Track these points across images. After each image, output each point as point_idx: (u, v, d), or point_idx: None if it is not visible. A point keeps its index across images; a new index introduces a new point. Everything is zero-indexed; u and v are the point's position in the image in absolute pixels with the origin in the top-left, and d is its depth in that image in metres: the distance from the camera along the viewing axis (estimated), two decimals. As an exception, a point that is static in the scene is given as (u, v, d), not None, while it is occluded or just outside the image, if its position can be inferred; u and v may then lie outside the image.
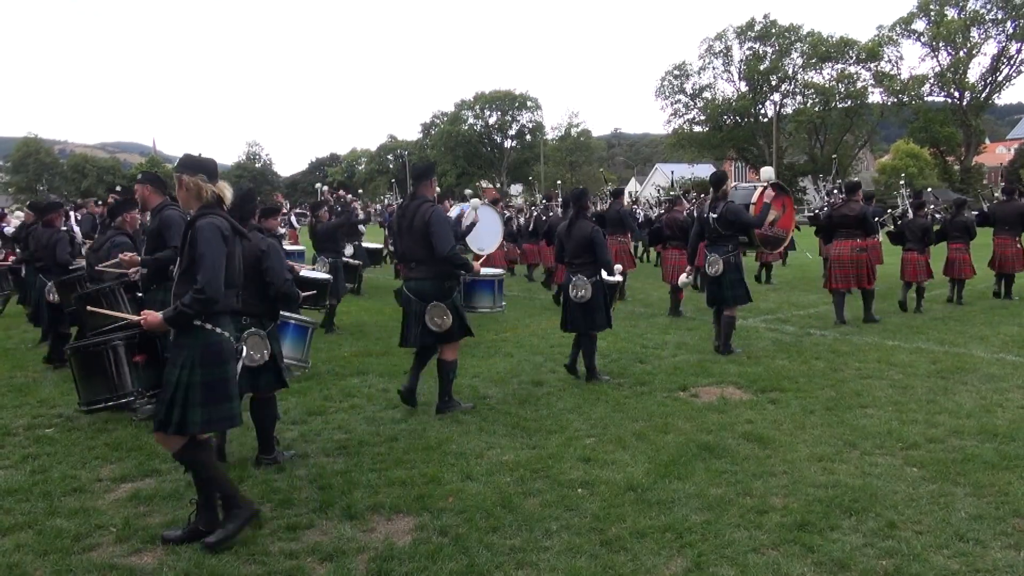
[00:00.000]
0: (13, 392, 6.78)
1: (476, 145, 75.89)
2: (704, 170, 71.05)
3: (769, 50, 55.42)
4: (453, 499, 4.16)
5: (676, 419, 5.55)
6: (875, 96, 53.47)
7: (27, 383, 7.13)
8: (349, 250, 10.99)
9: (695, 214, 10.02)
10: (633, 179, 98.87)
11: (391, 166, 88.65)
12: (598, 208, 14.83)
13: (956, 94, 50.15)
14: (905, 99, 51.14)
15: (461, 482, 4.41)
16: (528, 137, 76.91)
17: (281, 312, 5.07)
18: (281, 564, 3.49)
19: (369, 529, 3.86)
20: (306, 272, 6.89)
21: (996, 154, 67.87)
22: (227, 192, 3.80)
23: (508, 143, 77.53)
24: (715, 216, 7.85)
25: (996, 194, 15.98)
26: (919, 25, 50.04)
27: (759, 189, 8.33)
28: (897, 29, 50.98)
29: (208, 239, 3.56)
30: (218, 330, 3.65)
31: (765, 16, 55.24)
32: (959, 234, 11.25)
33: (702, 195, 18.99)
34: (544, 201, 15.28)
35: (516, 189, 79.51)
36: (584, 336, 6.81)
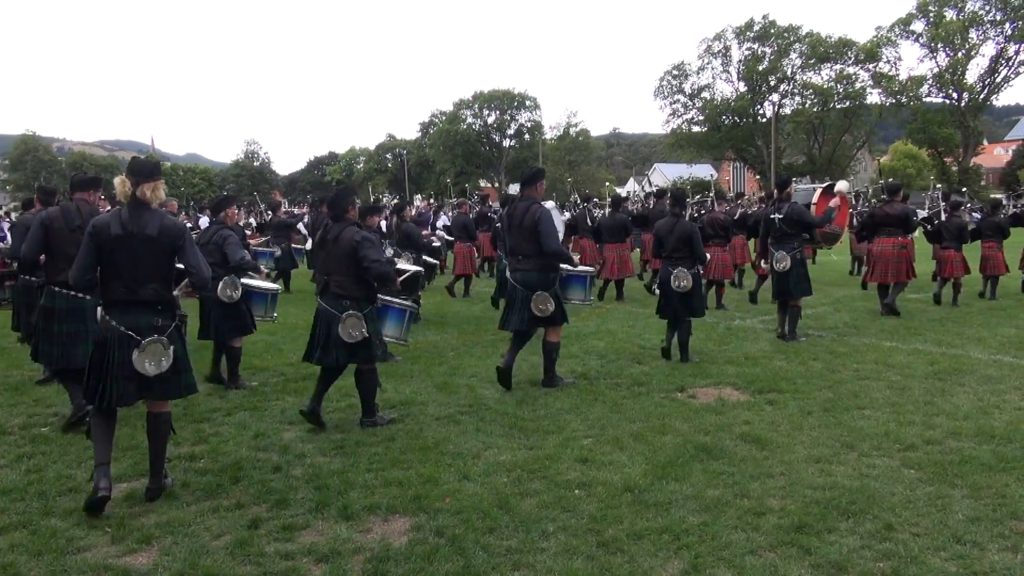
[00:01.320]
0: (8, 391, 6.76)
1: (475, 144, 75.85)
2: (702, 170, 71.22)
3: (768, 50, 55.42)
4: (450, 500, 4.15)
5: (673, 420, 5.55)
6: (873, 97, 53.53)
7: (23, 382, 7.10)
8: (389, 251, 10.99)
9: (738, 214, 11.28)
10: (632, 179, 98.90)
11: (389, 165, 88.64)
12: (594, 209, 14.85)
13: (954, 95, 50.19)
14: (903, 100, 51.16)
15: (458, 483, 4.40)
16: (527, 136, 76.88)
17: (382, 296, 5.97)
18: (277, 565, 3.48)
19: (365, 530, 3.84)
20: (401, 264, 7.48)
21: (994, 155, 67.97)
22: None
23: (507, 142, 77.50)
24: (780, 216, 8.50)
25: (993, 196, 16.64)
26: (918, 26, 50.06)
27: (818, 190, 9.45)
28: (896, 30, 51.00)
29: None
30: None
31: (764, 16, 55.24)
32: (992, 233, 11.88)
33: (705, 194, 19.28)
34: (583, 203, 15.23)
35: (514, 189, 79.52)
36: (684, 322, 7.52)
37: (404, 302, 6.63)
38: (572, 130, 76.16)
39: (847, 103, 53.60)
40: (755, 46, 55.64)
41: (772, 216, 8.65)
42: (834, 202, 8.71)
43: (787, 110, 56.44)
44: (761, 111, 57.04)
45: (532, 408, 5.94)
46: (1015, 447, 4.80)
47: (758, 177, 56.26)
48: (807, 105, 54.93)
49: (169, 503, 4.18)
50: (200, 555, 3.55)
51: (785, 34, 54.74)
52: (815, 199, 9.13)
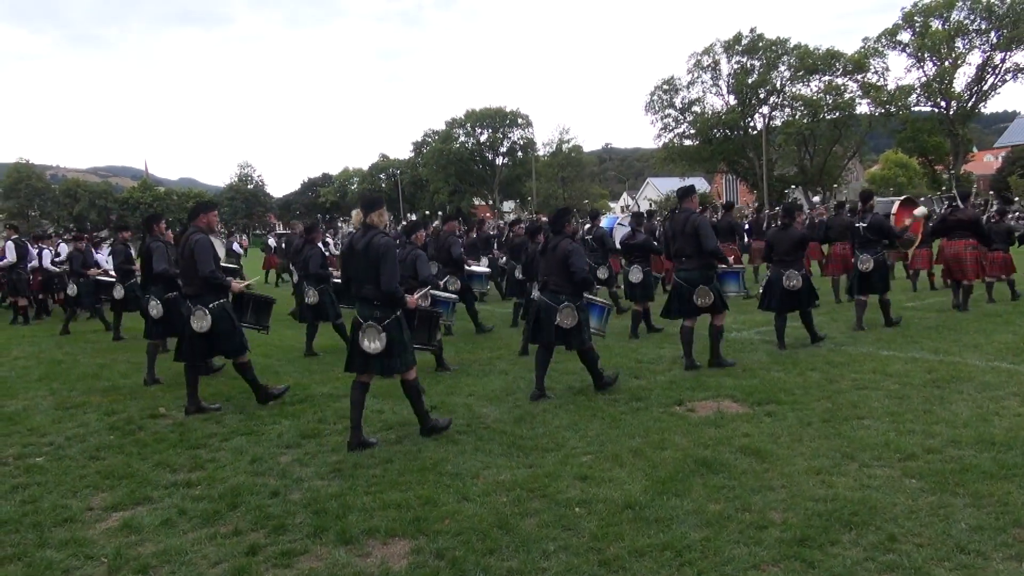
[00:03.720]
0: (3, 421, 6.71)
1: (468, 162, 76.06)
2: (695, 183, 71.50)
3: (757, 63, 55.80)
4: (449, 521, 4.11)
5: (673, 434, 5.52)
6: (863, 107, 53.85)
7: (18, 411, 7.06)
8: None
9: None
10: (625, 193, 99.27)
11: (383, 185, 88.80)
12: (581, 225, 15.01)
13: (943, 104, 50.51)
14: (892, 109, 51.49)
15: (457, 503, 4.37)
16: (519, 154, 77.16)
17: (586, 295, 7.18)
18: (275, 592, 3.43)
19: (364, 554, 3.80)
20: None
21: (984, 162, 68.42)
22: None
23: (500, 160, 77.75)
24: (864, 225, 9.79)
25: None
26: (904, 36, 50.49)
27: (897, 203, 11.20)
28: (883, 41, 51.43)
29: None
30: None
31: (752, 30, 55.70)
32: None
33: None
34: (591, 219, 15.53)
35: (508, 206, 79.71)
36: (799, 313, 8.79)
37: (605, 301, 8.20)
38: (564, 146, 76.46)
39: (837, 114, 53.94)
40: (744, 59, 56.04)
41: (857, 224, 9.94)
42: (908, 221, 10.32)
43: (777, 122, 56.77)
44: (752, 123, 57.37)
45: (531, 426, 5.91)
46: (1016, 454, 4.78)
47: (755, 191, 56.43)
48: (797, 117, 55.27)
49: (166, 531, 4.14)
50: (198, 584, 3.51)
51: (773, 47, 55.15)
52: (894, 210, 10.61)
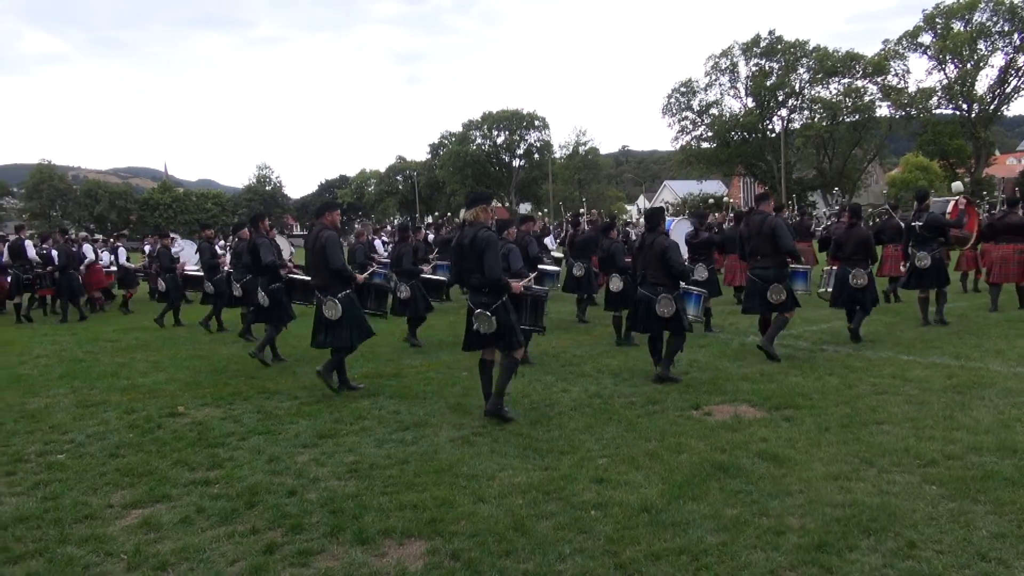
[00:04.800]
0: (26, 418, 6.80)
1: (484, 165, 76.17)
2: (712, 186, 71.13)
3: (775, 66, 55.51)
4: (465, 522, 4.11)
5: (689, 438, 5.49)
6: (883, 110, 53.41)
7: (40, 409, 7.14)
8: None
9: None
10: (642, 196, 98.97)
11: (400, 187, 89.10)
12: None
13: (964, 106, 50.01)
14: (913, 112, 51.01)
15: (473, 505, 4.37)
16: (536, 156, 77.16)
17: (684, 285, 7.88)
18: (292, 591, 3.45)
19: (380, 554, 3.81)
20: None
21: (1007, 165, 67.52)
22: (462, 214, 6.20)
23: (516, 162, 77.79)
24: (920, 224, 10.26)
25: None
26: (925, 38, 50.04)
27: (952, 202, 11.35)
28: (903, 43, 50.99)
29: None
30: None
31: (770, 32, 55.43)
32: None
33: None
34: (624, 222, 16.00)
35: (525, 208, 79.70)
36: (864, 311, 9.32)
37: (701, 289, 8.78)
38: (581, 148, 76.35)
39: (856, 116, 53.53)
40: (762, 62, 55.77)
41: (913, 223, 10.38)
42: (962, 202, 11.21)
43: (796, 125, 56.46)
44: (770, 126, 57.05)
45: (546, 428, 5.91)
46: (1038, 461, 4.72)
47: (773, 194, 56.15)
48: (816, 119, 54.92)
49: (184, 529, 4.17)
50: (215, 582, 3.53)
51: (792, 49, 54.84)
52: (950, 209, 10.97)
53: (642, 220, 18.64)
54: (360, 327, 7.36)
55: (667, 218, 11.98)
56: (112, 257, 17.83)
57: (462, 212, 6.20)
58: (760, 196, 8.94)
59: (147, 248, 18.23)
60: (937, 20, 49.11)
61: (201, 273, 12.94)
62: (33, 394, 7.89)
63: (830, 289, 9.86)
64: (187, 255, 15.35)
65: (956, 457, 4.87)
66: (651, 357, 7.72)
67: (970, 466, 4.69)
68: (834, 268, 9.81)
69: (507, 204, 77.74)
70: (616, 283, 9.87)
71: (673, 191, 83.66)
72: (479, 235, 6.01)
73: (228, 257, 12.75)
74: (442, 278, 11.80)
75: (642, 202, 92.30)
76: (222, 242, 15.38)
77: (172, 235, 16.57)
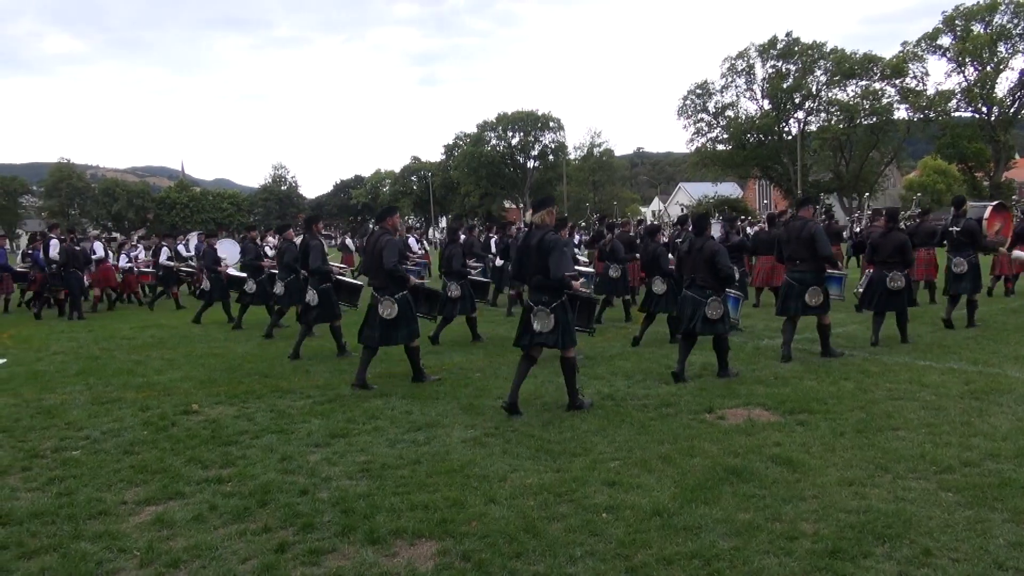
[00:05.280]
0: (42, 414, 6.86)
1: (499, 166, 76.21)
2: (727, 189, 70.86)
3: (792, 68, 55.21)
4: (476, 523, 4.11)
5: (702, 442, 5.46)
6: (901, 112, 52.96)
7: (56, 405, 7.21)
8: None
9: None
10: (657, 198, 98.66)
11: (415, 187, 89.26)
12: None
13: (984, 109, 49.52)
14: (932, 115, 50.56)
15: (484, 506, 4.36)
16: (551, 157, 77.11)
17: (728, 289, 8.05)
18: (303, 590, 3.46)
19: (391, 554, 3.82)
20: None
21: (1027, 169, 66.69)
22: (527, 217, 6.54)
23: (531, 163, 77.75)
24: (957, 229, 10.45)
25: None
26: (945, 41, 49.59)
27: (989, 208, 11.33)
28: (922, 45, 50.57)
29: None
30: None
31: (787, 34, 55.16)
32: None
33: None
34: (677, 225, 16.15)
35: (539, 209, 79.53)
36: (900, 313, 9.40)
37: (738, 292, 8.97)
38: (596, 150, 76.26)
39: (874, 119, 53.12)
40: (779, 63, 55.49)
41: (951, 229, 10.59)
42: (998, 225, 11.18)
43: (813, 127, 56.09)
44: (786, 128, 56.74)
45: (558, 430, 5.89)
46: (1057, 469, 4.65)
47: (789, 197, 55.76)
48: (833, 122, 54.56)
49: (197, 526, 4.19)
50: (227, 579, 3.55)
51: (809, 51, 54.53)
52: (987, 215, 11.07)
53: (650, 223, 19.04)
54: (411, 328, 7.66)
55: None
56: (141, 255, 18.63)
57: (527, 215, 6.54)
58: (801, 201, 9.14)
59: (180, 247, 18.97)
60: (957, 22, 48.67)
61: (244, 274, 13.23)
62: (49, 390, 7.96)
63: (861, 289, 10.03)
64: (230, 254, 16.03)
65: (973, 464, 4.81)
66: (679, 355, 7.77)
67: (987, 473, 4.63)
68: (870, 271, 9.90)
69: (520, 205, 77.70)
70: (659, 286, 10.07)
71: (688, 193, 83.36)
72: (546, 237, 6.30)
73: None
74: (486, 280, 12.32)
75: (656, 204, 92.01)
76: (272, 240, 15.88)
77: (213, 235, 17.02)
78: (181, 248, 18.57)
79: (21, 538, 4.07)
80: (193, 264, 17.67)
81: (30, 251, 17.23)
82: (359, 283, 10.42)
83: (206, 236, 16.73)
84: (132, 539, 4.04)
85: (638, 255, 11.80)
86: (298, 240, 11.31)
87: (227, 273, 13.99)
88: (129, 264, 18.11)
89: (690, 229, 8.88)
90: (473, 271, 11.39)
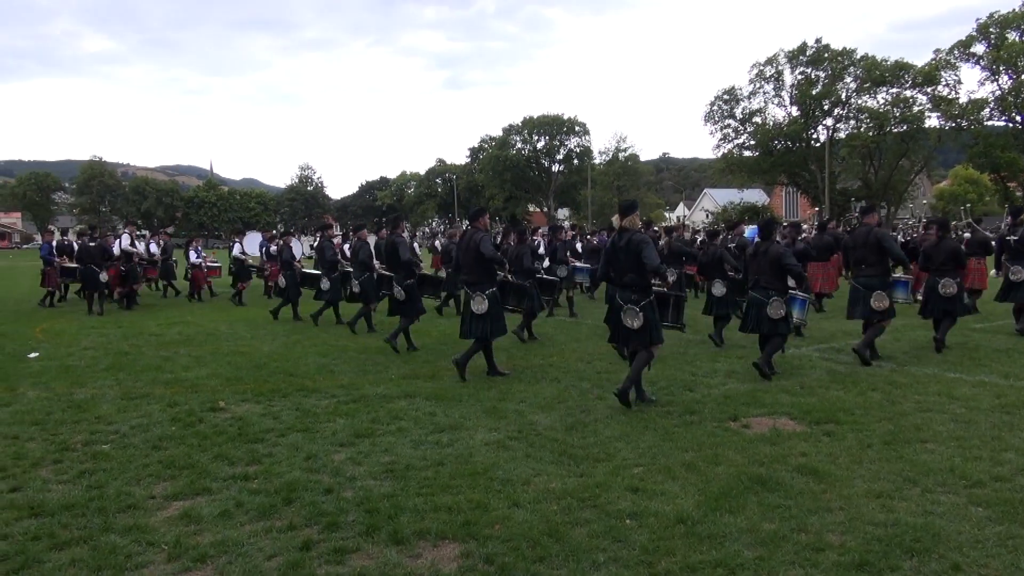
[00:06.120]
0: (73, 408, 6.98)
1: (524, 169, 76.28)
2: (753, 195, 70.23)
3: (821, 74, 54.60)
4: (500, 527, 4.11)
5: (727, 450, 5.43)
6: (932, 120, 52.11)
7: (86, 400, 7.33)
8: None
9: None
10: (682, 204, 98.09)
11: (439, 190, 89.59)
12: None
13: (1018, 118, 48.61)
14: (964, 124, 49.73)
15: (508, 509, 4.37)
16: (576, 161, 77.04)
17: (791, 289, 8.36)
18: (327, 588, 3.48)
19: (415, 555, 3.83)
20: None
21: (1061, 180, 65.42)
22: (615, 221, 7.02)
23: (556, 167, 77.71)
24: (1015, 239, 10.69)
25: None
26: (978, 48, 48.78)
27: None
28: (955, 53, 49.79)
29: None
30: None
31: (817, 40, 54.58)
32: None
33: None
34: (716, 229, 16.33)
35: (563, 213, 79.53)
36: (949, 319, 9.58)
37: (805, 294, 9.08)
38: (621, 155, 76.00)
39: (904, 127, 52.35)
40: (808, 70, 54.91)
41: (1008, 237, 10.85)
42: None
43: (841, 134, 55.41)
44: (815, 135, 56.14)
45: (582, 435, 5.89)
46: (1091, 486, 4.56)
47: (817, 205, 55.22)
48: (862, 129, 53.85)
49: (224, 522, 4.24)
50: None
51: (839, 58, 53.89)
52: None
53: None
54: (499, 322, 8.16)
55: (751, 228, 12.54)
56: (193, 253, 19.42)
57: (614, 219, 6.98)
58: (866, 209, 9.43)
59: (125, 240, 19.44)
60: (991, 30, 47.82)
61: (319, 271, 13.53)
62: (80, 385, 8.09)
63: (921, 297, 10.35)
64: (296, 252, 16.57)
65: (1004, 479, 4.73)
66: (760, 351, 8.19)
67: (1019, 488, 4.56)
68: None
69: (545, 209, 77.63)
70: (719, 288, 10.36)
71: (713, 199, 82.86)
72: (634, 238, 6.72)
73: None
74: (555, 278, 12.69)
75: (681, 210, 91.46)
76: (338, 241, 16.56)
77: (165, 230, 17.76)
78: (236, 246, 19.33)
79: (53, 529, 4.15)
80: (251, 264, 18.48)
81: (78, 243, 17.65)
82: (441, 276, 11.88)
83: (283, 234, 17.32)
84: (160, 533, 4.10)
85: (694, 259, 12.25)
86: (371, 239, 11.79)
87: (301, 271, 14.39)
88: (198, 260, 18.87)
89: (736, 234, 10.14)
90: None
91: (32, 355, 10.08)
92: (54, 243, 17.68)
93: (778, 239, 11.89)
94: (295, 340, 11.28)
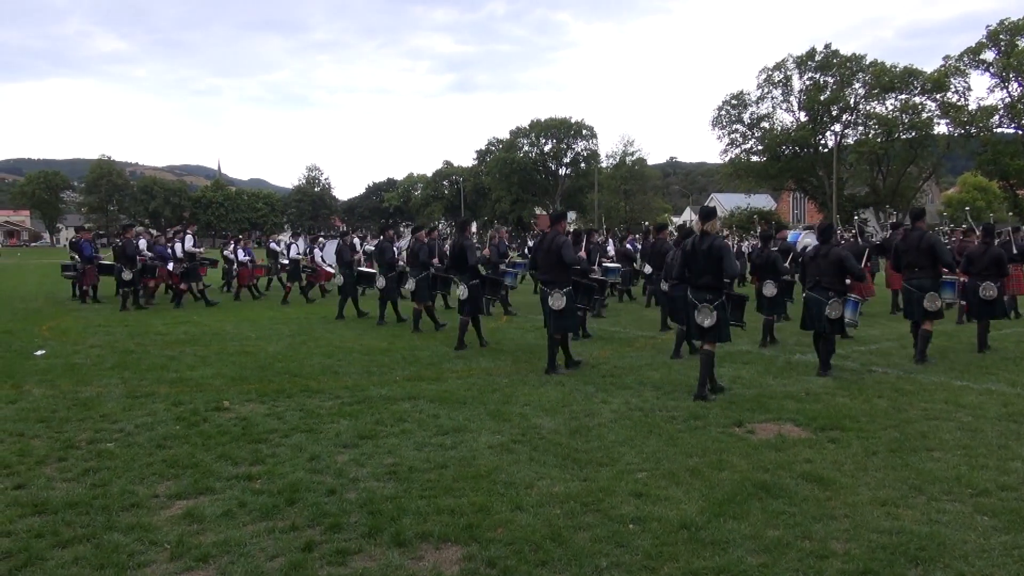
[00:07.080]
0: (78, 406, 6.99)
1: (531, 172, 76.27)
2: (761, 200, 70.10)
3: (830, 80, 54.48)
4: (502, 530, 4.10)
5: (731, 456, 5.41)
6: (941, 127, 51.91)
7: (91, 398, 7.35)
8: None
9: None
10: (688, 208, 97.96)
11: (446, 192, 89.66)
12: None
13: (1028, 126, 48.40)
14: (973, 131, 49.52)
15: (510, 512, 4.36)
16: (583, 165, 76.98)
17: (849, 294, 8.72)
18: (329, 589, 3.48)
19: (417, 557, 3.82)
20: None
21: (1071, 188, 65.10)
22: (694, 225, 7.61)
23: (563, 171, 77.67)
24: None
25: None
26: (988, 55, 48.60)
27: None
28: (965, 59, 49.61)
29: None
30: None
31: (826, 46, 54.47)
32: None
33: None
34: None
35: (569, 217, 79.48)
36: (986, 321, 10.04)
37: (857, 296, 9.27)
38: (628, 159, 75.94)
39: (913, 133, 52.15)
40: (817, 75, 54.80)
41: None
42: None
43: (850, 140, 55.26)
44: (822, 141, 55.99)
45: (586, 439, 5.87)
46: (1099, 497, 4.53)
47: (823, 210, 55.02)
48: (871, 135, 53.69)
49: (227, 522, 4.24)
50: (255, 576, 3.58)
51: (848, 63, 53.78)
52: None
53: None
54: (574, 320, 8.80)
55: (793, 232, 13.05)
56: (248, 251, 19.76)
57: (695, 224, 7.46)
58: (916, 214, 9.66)
59: (272, 245, 21.01)
60: (1001, 37, 47.64)
61: (375, 270, 14.04)
62: (85, 383, 8.11)
63: (963, 302, 10.68)
64: (328, 254, 17.48)
65: (1011, 488, 4.70)
66: (818, 355, 8.62)
67: (1025, 498, 4.52)
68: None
69: (551, 212, 77.50)
70: (770, 289, 10.74)
71: (720, 204, 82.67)
72: (715, 243, 7.20)
73: (405, 255, 14.19)
74: (604, 278, 13.10)
75: (688, 214, 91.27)
76: (357, 242, 16.96)
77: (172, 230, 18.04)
78: (272, 246, 19.94)
79: (56, 527, 4.16)
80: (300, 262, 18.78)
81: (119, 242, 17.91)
82: (499, 279, 12.81)
83: (341, 235, 17.76)
84: (163, 532, 4.10)
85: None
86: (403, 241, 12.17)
87: (359, 269, 14.84)
88: (246, 259, 19.05)
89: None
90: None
91: (38, 353, 10.11)
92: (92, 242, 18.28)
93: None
94: (300, 341, 11.29)
